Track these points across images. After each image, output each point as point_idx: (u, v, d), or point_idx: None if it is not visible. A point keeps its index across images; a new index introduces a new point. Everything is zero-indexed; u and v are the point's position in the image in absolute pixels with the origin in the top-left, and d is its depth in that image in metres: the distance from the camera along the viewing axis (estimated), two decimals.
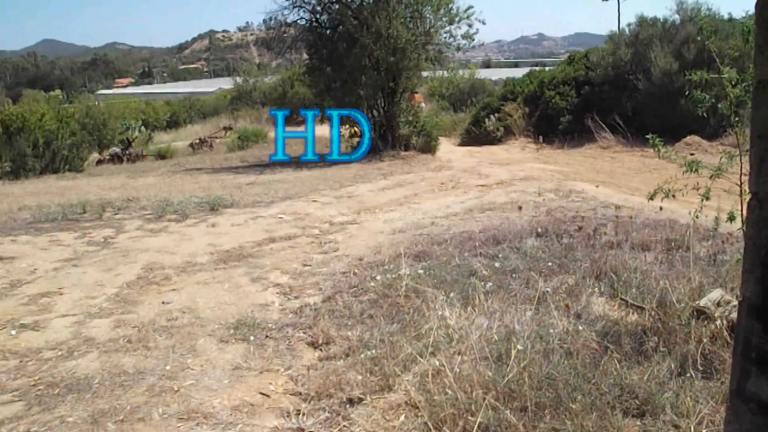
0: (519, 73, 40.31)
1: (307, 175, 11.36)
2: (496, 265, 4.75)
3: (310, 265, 5.55)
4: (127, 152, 19.53)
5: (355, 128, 14.02)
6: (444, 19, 12.88)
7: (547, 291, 3.99)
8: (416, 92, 16.37)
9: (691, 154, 12.18)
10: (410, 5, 12.80)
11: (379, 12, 12.26)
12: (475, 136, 18.05)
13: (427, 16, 12.95)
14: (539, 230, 5.62)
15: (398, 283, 4.31)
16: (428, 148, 14.17)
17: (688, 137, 12.67)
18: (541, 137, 16.35)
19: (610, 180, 10.13)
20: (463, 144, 18.44)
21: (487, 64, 46.97)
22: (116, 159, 18.92)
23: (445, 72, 29.80)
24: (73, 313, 4.48)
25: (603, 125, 14.92)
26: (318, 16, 13.70)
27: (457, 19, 12.88)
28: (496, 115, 17.78)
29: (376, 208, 8.03)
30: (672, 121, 13.70)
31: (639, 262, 4.58)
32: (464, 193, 8.93)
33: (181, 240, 6.58)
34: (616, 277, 4.21)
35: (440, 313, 3.62)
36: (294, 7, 13.41)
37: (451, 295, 3.92)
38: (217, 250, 6.09)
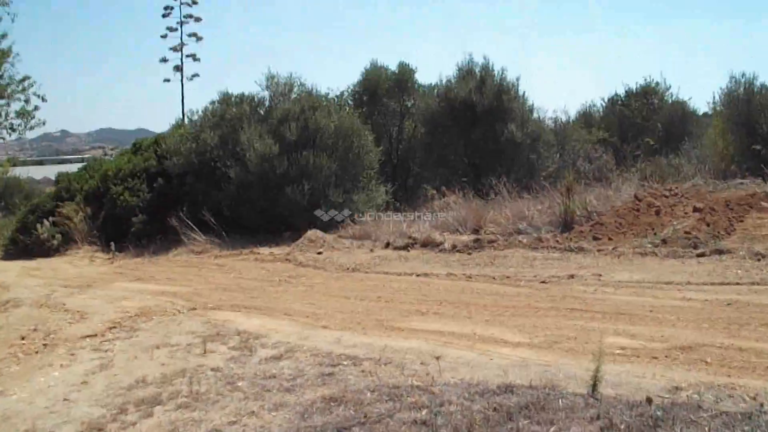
0: (47, 171, 34.60)
1: None
2: None
3: None
4: None
5: None
6: None
7: None
8: None
9: (319, 253, 10.75)
10: None
11: None
12: (25, 247, 13.91)
13: None
14: None
15: None
16: None
17: (310, 232, 11.21)
18: (112, 244, 12.78)
19: (256, 302, 7.44)
20: (8, 257, 13.99)
21: (13, 163, 39.87)
22: None
23: None
24: None
25: (191, 224, 12.43)
26: None
27: (9, 91, 8.76)
28: (51, 219, 13.98)
29: None
30: (276, 214, 12.19)
31: None
32: (71, 356, 5.18)
33: None
34: None
35: None
36: None
37: None
38: None
